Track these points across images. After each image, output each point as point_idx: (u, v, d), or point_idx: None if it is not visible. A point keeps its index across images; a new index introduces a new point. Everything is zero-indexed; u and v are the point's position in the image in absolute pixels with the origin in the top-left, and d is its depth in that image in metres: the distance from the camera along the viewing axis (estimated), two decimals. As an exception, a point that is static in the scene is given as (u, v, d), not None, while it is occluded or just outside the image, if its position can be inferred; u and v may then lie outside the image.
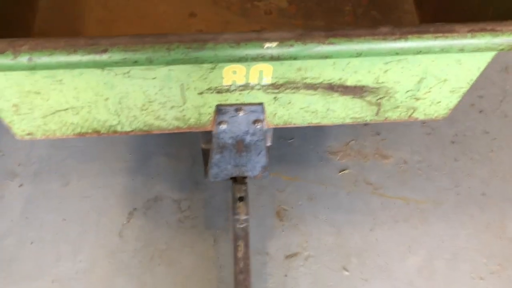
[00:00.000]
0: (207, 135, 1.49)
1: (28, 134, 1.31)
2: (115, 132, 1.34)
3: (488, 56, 1.17)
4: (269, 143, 1.68)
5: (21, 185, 1.92)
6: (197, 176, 1.95)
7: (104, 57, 0.95)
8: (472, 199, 1.94)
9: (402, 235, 1.83)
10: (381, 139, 2.10)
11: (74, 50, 0.94)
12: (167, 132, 1.37)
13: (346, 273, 1.74)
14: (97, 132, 1.33)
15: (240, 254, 1.61)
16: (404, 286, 1.72)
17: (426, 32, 0.99)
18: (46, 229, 1.82)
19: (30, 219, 1.84)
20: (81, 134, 1.33)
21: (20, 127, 1.28)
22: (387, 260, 1.78)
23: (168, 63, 0.98)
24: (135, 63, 0.97)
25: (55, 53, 0.94)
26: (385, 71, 1.18)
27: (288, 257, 1.78)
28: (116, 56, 0.96)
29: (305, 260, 1.77)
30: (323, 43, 0.97)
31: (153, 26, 1.71)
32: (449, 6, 1.59)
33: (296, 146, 2.06)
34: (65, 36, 0.98)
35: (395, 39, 0.98)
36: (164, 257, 1.77)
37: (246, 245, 1.62)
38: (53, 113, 1.23)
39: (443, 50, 1.00)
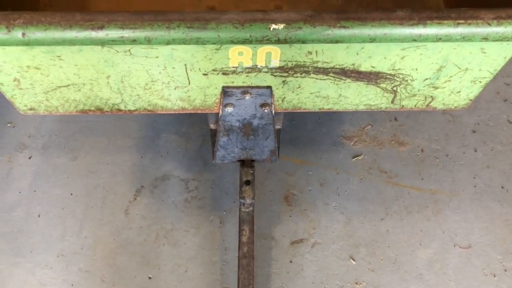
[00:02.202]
0: (215, 116, 1.45)
1: (31, 109, 1.28)
2: (118, 110, 1.30)
3: (516, 45, 1.08)
4: (279, 126, 1.63)
5: (30, 157, 1.92)
6: (206, 156, 1.91)
7: (101, 34, 0.90)
8: (490, 192, 1.85)
9: (414, 226, 1.77)
10: (399, 125, 2.02)
11: (70, 26, 0.90)
12: (172, 112, 1.32)
13: (353, 262, 1.70)
14: (100, 110, 1.29)
15: (244, 239, 1.57)
16: (413, 279, 1.67)
17: (447, 18, 0.90)
18: (53, 203, 1.81)
19: (38, 192, 1.84)
20: (84, 112, 1.29)
21: (22, 102, 1.25)
22: (397, 252, 1.72)
23: (168, 42, 0.93)
24: (134, 42, 0.92)
25: (50, 28, 0.90)
26: (402, 58, 1.10)
27: (294, 243, 1.74)
28: (113, 33, 0.90)
29: (311, 247, 1.73)
30: (334, 26, 0.90)
31: (163, 1, 1.65)
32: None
33: (309, 129, 2.00)
34: (63, 10, 0.94)
35: (412, 25, 0.90)
36: (169, 237, 1.75)
37: (251, 230, 1.58)
38: (54, 89, 1.19)
39: (465, 39, 0.92)
